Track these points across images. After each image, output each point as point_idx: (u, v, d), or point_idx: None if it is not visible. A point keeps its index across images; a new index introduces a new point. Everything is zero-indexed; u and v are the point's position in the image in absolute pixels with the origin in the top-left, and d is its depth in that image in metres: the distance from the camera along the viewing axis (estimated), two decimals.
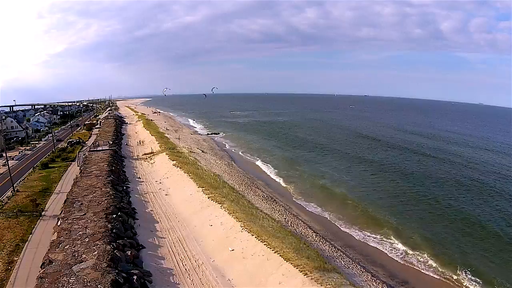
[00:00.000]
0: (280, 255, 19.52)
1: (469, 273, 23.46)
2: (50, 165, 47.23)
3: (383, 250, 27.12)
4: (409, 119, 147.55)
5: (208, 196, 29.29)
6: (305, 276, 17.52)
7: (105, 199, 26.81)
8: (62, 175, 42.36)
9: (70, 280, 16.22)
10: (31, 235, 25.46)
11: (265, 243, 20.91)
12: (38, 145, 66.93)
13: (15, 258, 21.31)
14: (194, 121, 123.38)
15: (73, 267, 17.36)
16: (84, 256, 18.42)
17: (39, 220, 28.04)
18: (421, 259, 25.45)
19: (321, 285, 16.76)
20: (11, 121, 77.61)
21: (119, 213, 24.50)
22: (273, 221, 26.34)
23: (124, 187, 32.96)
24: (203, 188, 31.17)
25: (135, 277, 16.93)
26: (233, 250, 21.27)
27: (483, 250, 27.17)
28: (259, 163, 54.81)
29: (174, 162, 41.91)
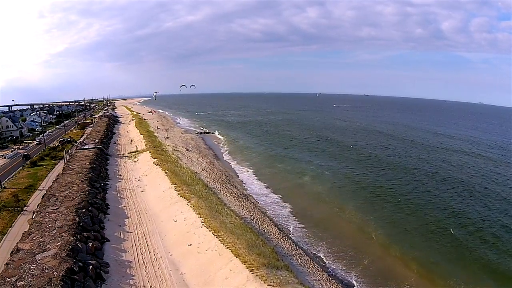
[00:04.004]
0: (231, 251, 20.30)
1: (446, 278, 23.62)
2: (38, 163, 49.12)
3: (348, 249, 27.34)
4: (381, 117, 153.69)
5: (178, 192, 30.82)
6: (251, 273, 18.03)
7: (80, 195, 28.44)
8: (48, 173, 44.24)
9: (31, 267, 17.87)
10: (10, 228, 27.43)
11: (220, 238, 21.94)
12: (31, 144, 69.11)
13: None
14: (187, 120, 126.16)
15: (37, 255, 19.00)
16: (48, 246, 20.04)
17: (20, 215, 29.94)
18: (385, 259, 25.86)
19: (265, 282, 17.17)
20: (6, 121, 79.67)
21: (89, 208, 26.12)
22: (236, 217, 27.51)
23: (102, 184, 34.56)
24: (176, 185, 32.74)
25: (90, 266, 18.50)
26: (190, 245, 22.44)
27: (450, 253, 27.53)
28: (240, 161, 56.67)
29: (155, 160, 43.57)
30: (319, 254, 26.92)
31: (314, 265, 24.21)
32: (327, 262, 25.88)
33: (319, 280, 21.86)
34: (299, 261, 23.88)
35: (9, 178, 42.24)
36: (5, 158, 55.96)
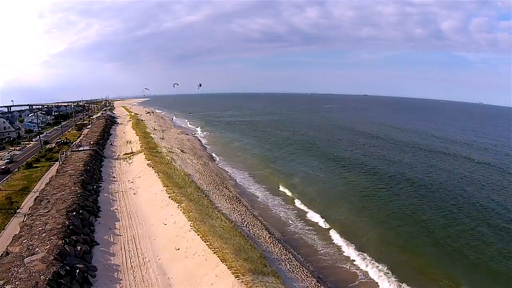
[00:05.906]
0: (218, 256, 20.33)
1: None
2: (34, 165, 49.39)
3: (339, 254, 27.02)
4: (366, 117, 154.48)
5: (169, 195, 31.02)
6: (236, 279, 17.87)
7: (71, 198, 28.71)
8: (43, 175, 44.49)
9: (19, 270, 18.15)
10: (3, 231, 27.67)
11: (207, 243, 21.95)
12: (28, 145, 69.41)
13: None
14: (184, 121, 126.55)
15: (25, 259, 19.26)
16: (37, 249, 20.30)
17: (13, 217, 30.21)
18: (379, 268, 25.14)
19: None
20: (4, 122, 79.92)
21: (80, 211, 26.39)
22: (226, 221, 27.60)
23: (95, 186, 34.79)
24: (167, 188, 32.94)
25: (77, 270, 18.70)
26: (178, 249, 22.47)
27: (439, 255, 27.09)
28: (234, 162, 56.80)
29: (149, 162, 43.78)
30: (309, 259, 26.63)
31: (303, 270, 23.95)
32: (317, 267, 25.63)
33: (307, 286, 21.69)
34: (288, 267, 23.71)
35: (4, 180, 42.57)
36: (1, 159, 56.24)
